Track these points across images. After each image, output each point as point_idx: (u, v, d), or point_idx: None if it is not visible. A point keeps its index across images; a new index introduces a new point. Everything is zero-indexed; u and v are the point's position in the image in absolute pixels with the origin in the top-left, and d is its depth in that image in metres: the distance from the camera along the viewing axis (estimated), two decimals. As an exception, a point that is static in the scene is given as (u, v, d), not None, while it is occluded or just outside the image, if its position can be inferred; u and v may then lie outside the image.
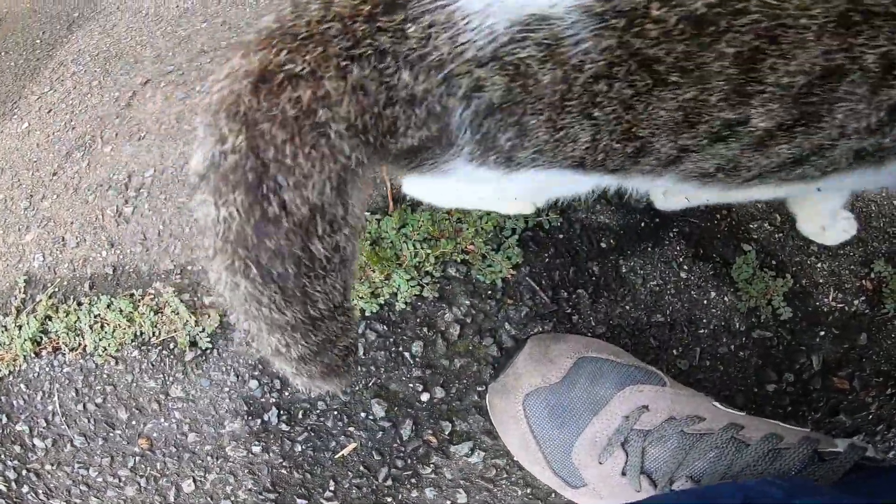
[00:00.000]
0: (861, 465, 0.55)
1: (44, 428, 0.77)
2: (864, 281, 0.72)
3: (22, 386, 0.79)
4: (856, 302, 0.72)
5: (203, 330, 0.77)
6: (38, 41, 1.34)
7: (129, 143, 0.97)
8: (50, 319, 0.82)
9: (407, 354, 0.71)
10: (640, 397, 0.61)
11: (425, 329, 0.71)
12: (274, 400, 0.74)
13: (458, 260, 0.70)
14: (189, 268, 0.81)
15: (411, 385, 0.71)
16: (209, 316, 0.78)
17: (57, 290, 0.84)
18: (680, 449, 0.59)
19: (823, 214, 0.71)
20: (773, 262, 0.72)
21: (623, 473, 0.61)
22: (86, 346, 0.79)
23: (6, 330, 0.82)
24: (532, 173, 0.43)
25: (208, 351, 0.76)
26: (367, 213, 0.75)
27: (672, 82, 0.34)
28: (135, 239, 0.86)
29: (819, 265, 0.73)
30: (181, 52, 1.10)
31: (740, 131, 0.37)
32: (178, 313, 0.79)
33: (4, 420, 0.78)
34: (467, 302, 0.70)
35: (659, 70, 0.34)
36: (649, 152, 0.40)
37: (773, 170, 0.42)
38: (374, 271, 0.70)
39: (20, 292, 0.85)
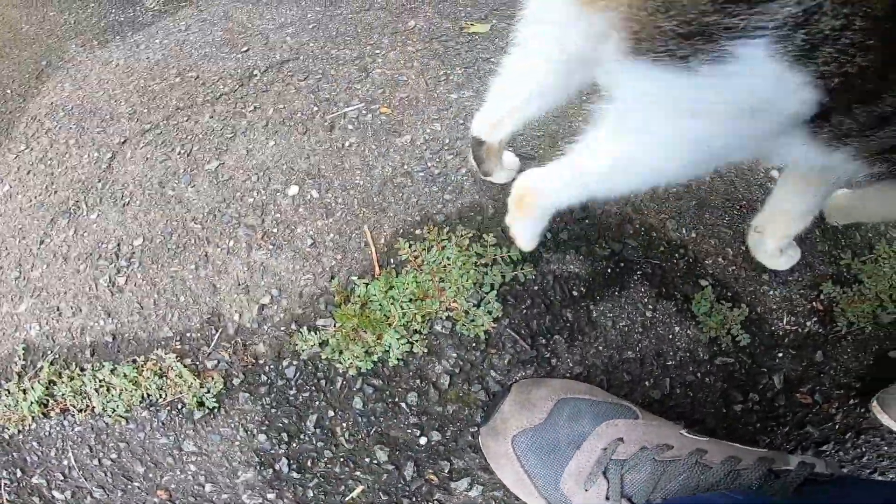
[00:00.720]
0: (813, 478, 0.67)
1: (61, 481, 0.85)
2: (814, 303, 0.83)
3: (34, 443, 0.87)
4: (808, 323, 0.83)
5: (208, 391, 0.85)
6: (8, 91, 1.40)
7: (114, 209, 1.04)
8: (54, 384, 0.89)
9: (403, 404, 0.81)
10: (616, 431, 0.72)
11: (418, 381, 0.80)
12: (283, 451, 0.83)
13: (444, 317, 0.80)
14: (188, 334, 0.90)
15: (409, 431, 0.81)
16: (213, 378, 0.87)
17: (58, 357, 0.92)
18: (653, 474, 0.70)
19: (789, 235, 0.81)
20: (729, 294, 0.83)
21: (607, 498, 0.71)
22: (94, 407, 0.87)
23: (10, 394, 0.89)
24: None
25: (215, 409, 0.85)
26: (354, 278, 0.85)
27: None
28: (131, 308, 0.93)
29: (771, 292, 0.83)
30: (157, 108, 1.17)
31: None
32: (182, 377, 0.87)
33: (20, 474, 0.86)
34: (454, 354, 0.80)
35: None
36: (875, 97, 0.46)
37: None
38: (365, 332, 0.79)
39: (20, 359, 0.93)
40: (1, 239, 1.08)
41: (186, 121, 1.11)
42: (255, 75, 1.13)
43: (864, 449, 0.80)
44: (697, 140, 0.56)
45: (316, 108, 1.04)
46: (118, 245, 0.99)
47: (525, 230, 0.81)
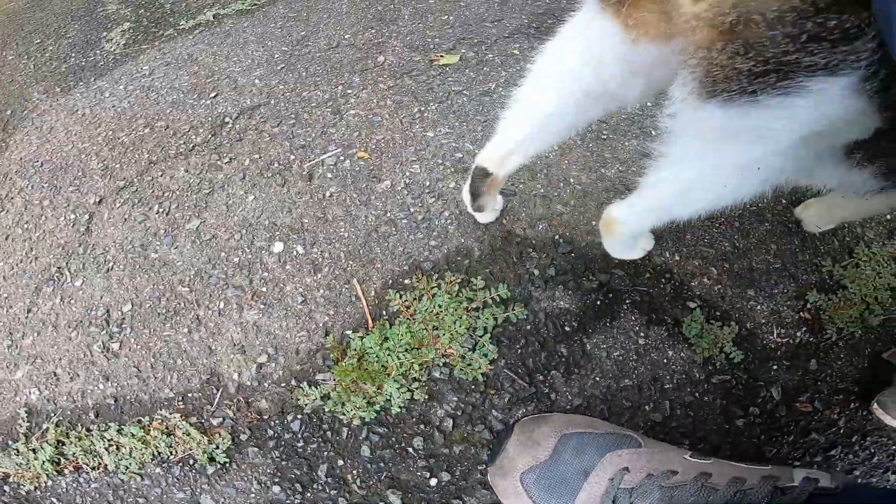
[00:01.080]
0: (819, 492, 0.70)
1: (89, 534, 0.86)
2: (801, 313, 0.85)
3: (53, 499, 0.89)
4: (798, 333, 0.85)
5: (217, 447, 0.87)
6: (-25, 146, 1.37)
7: (98, 275, 1.03)
8: (63, 444, 0.90)
9: (410, 449, 0.83)
10: (620, 461, 0.75)
11: (422, 426, 0.82)
12: (298, 500, 0.85)
13: (441, 364, 0.81)
14: (190, 395, 0.91)
15: (419, 473, 0.83)
16: (220, 435, 0.88)
17: (62, 419, 0.93)
18: (662, 500, 0.73)
19: None
20: (718, 314, 0.85)
21: (618, 526, 0.74)
22: (106, 465, 0.88)
23: (19, 453, 0.90)
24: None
25: (227, 464, 0.87)
26: (348, 332, 0.86)
27: None
28: (129, 372, 0.94)
29: (759, 307, 0.85)
30: (129, 162, 1.16)
31: None
32: (189, 434, 0.89)
33: (46, 528, 0.87)
34: (455, 398, 0.82)
35: None
36: None
37: None
38: (365, 384, 0.81)
39: (24, 421, 0.93)
40: (-13, 308, 1.08)
41: (161, 176, 1.10)
42: (227, 123, 1.12)
43: (872, 450, 0.83)
44: (753, 161, 0.58)
45: (293, 157, 1.04)
46: (107, 311, 0.99)
47: (614, 248, 0.86)
